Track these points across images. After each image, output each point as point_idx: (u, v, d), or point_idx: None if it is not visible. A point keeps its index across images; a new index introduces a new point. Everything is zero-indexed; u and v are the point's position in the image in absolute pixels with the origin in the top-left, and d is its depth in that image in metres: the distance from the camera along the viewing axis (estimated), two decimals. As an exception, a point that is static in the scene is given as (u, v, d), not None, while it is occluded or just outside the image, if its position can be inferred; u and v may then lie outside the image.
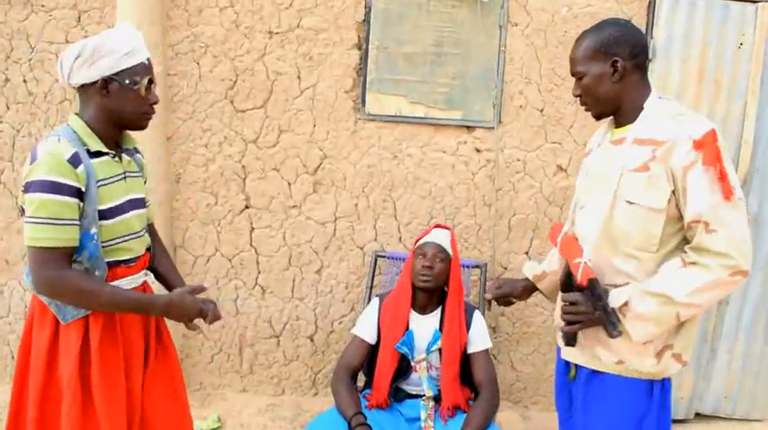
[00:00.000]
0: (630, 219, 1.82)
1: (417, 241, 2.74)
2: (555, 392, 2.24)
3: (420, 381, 2.61)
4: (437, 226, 2.80)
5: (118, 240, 1.86)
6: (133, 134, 2.01)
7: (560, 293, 1.95)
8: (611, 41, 1.84)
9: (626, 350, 1.86)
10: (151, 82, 1.87)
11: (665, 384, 1.92)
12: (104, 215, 1.79)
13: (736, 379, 3.54)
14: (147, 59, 1.86)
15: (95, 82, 1.78)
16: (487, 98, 3.28)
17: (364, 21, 3.25)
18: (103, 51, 1.75)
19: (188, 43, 3.25)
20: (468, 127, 3.33)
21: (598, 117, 1.96)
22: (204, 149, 3.33)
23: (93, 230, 1.76)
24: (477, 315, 2.69)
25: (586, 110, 1.96)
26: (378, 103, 3.29)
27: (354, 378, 2.64)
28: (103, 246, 1.81)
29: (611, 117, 1.98)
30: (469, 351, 2.62)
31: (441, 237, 2.69)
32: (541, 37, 3.25)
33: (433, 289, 2.62)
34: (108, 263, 1.83)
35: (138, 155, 2.06)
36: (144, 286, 2.01)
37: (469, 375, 2.62)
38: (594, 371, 1.94)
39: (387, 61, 3.26)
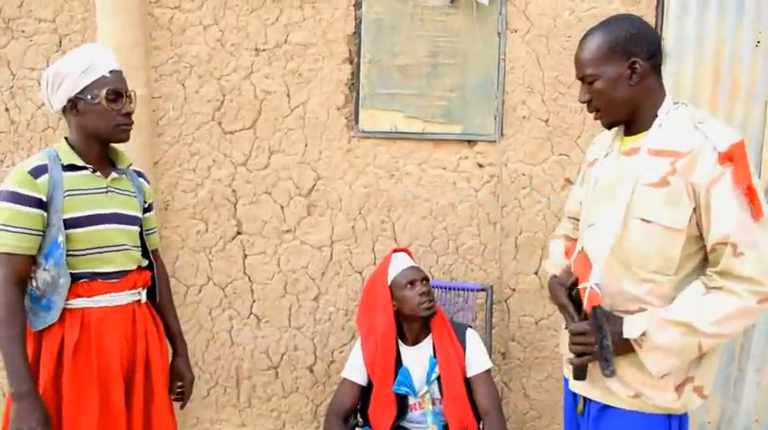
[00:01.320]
0: (646, 240, 1.64)
1: (384, 274, 2.60)
2: (564, 427, 2.05)
3: (423, 417, 2.44)
4: (395, 250, 2.69)
5: (93, 250, 1.91)
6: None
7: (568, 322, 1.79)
8: (627, 39, 1.66)
9: (642, 383, 1.68)
10: (117, 93, 1.91)
11: (682, 419, 1.74)
12: (71, 224, 1.86)
13: (766, 400, 3.31)
14: (110, 72, 1.92)
15: (66, 104, 1.90)
16: (488, 110, 3.10)
17: (355, 33, 3.10)
18: (63, 74, 1.87)
19: (172, 64, 3.13)
20: (468, 141, 3.15)
21: (610, 125, 1.79)
22: (192, 174, 3.20)
23: (60, 239, 1.83)
24: (470, 333, 2.53)
25: (597, 118, 1.78)
26: (372, 120, 3.13)
27: (347, 420, 2.49)
28: (77, 255, 1.88)
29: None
30: (468, 374, 2.45)
31: (410, 261, 2.60)
32: (543, 43, 3.06)
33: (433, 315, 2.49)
34: (84, 274, 1.90)
35: (141, 179, 2.17)
36: (133, 307, 2.03)
37: (471, 402, 2.43)
38: (606, 406, 1.76)
39: (380, 75, 3.10)
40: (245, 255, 3.26)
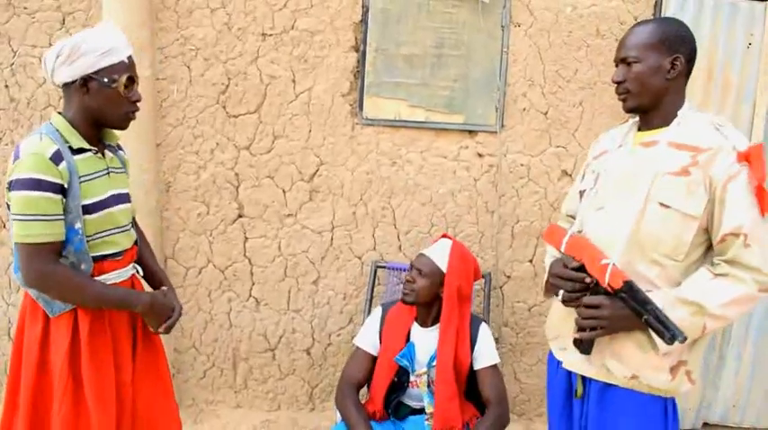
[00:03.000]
0: (663, 224, 1.74)
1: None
2: (548, 415, 2.11)
3: (421, 396, 2.49)
4: (444, 235, 2.66)
5: (103, 234, 1.89)
6: (118, 134, 2.04)
7: (568, 297, 1.83)
8: (676, 37, 1.78)
9: (642, 363, 1.77)
10: (132, 80, 1.87)
11: (674, 403, 1.85)
12: (88, 210, 1.83)
13: (744, 387, 3.46)
14: (128, 58, 1.87)
15: (76, 80, 1.80)
16: (490, 101, 3.17)
17: (362, 21, 3.13)
18: (82, 50, 1.77)
19: (178, 46, 3.11)
20: (469, 131, 3.21)
21: (632, 110, 1.86)
22: (195, 157, 3.20)
23: (78, 225, 1.80)
24: (483, 328, 2.56)
25: (622, 99, 1.85)
26: (376, 108, 3.17)
27: (359, 392, 2.53)
28: (89, 240, 1.85)
29: (636, 119, 1.90)
30: (475, 367, 2.50)
31: (436, 250, 2.56)
32: (545, 37, 3.14)
33: (415, 303, 2.51)
34: (94, 257, 1.87)
35: (120, 151, 2.08)
36: (132, 279, 2.05)
37: (477, 392, 2.50)
38: (607, 385, 1.84)
39: (385, 63, 3.14)
40: (246, 239, 3.28)
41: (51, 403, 1.86)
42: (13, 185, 1.75)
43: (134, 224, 2.15)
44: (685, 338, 1.64)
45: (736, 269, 1.68)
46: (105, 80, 1.80)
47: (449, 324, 2.46)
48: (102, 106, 1.84)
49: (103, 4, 2.97)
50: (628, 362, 1.78)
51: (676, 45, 1.76)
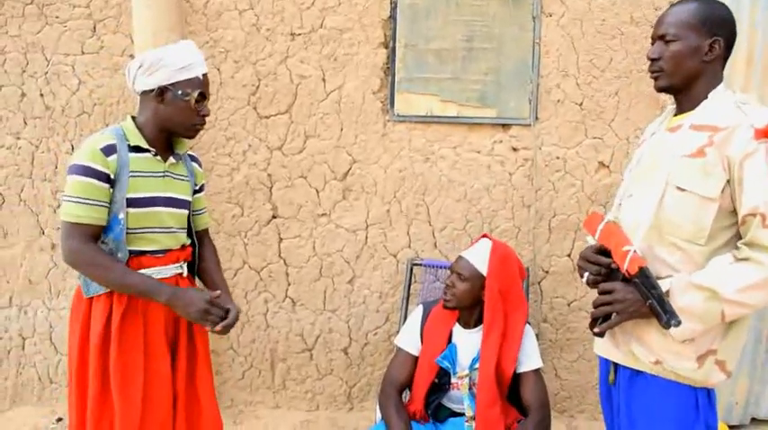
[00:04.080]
0: (680, 208, 1.68)
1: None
2: (600, 401, 2.07)
3: (462, 399, 2.45)
4: (484, 235, 2.59)
5: (144, 230, 2.00)
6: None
7: (593, 280, 1.81)
8: (718, 20, 1.71)
9: (664, 348, 1.71)
10: (204, 96, 2.03)
11: (711, 394, 1.76)
12: (131, 203, 1.95)
13: (793, 381, 3.36)
14: (203, 75, 2.04)
15: (153, 90, 1.97)
16: (523, 94, 3.12)
17: (390, 17, 3.10)
18: (162, 63, 1.95)
19: (208, 48, 3.12)
20: (503, 125, 3.17)
21: (664, 89, 1.80)
22: (228, 158, 3.21)
23: (121, 216, 1.93)
24: (527, 330, 2.49)
25: (655, 77, 1.80)
26: (407, 104, 3.14)
27: (402, 393, 2.49)
28: (130, 233, 1.96)
29: (674, 106, 1.85)
30: (518, 370, 2.44)
31: (476, 252, 2.48)
32: (578, 27, 3.07)
33: (457, 308, 2.46)
34: (133, 251, 1.98)
35: (193, 163, 2.25)
36: (176, 279, 2.11)
37: (518, 395, 2.45)
38: (636, 372, 1.79)
39: (415, 59, 3.11)
40: (281, 239, 3.28)
41: (101, 378, 1.98)
42: (68, 170, 1.92)
43: (201, 234, 2.31)
44: (679, 322, 1.59)
45: (756, 252, 1.59)
46: (180, 92, 1.97)
47: (492, 327, 2.40)
48: (173, 115, 2.00)
49: (133, 10, 2.98)
50: (650, 347, 1.73)
51: (716, 27, 1.70)
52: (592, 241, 1.95)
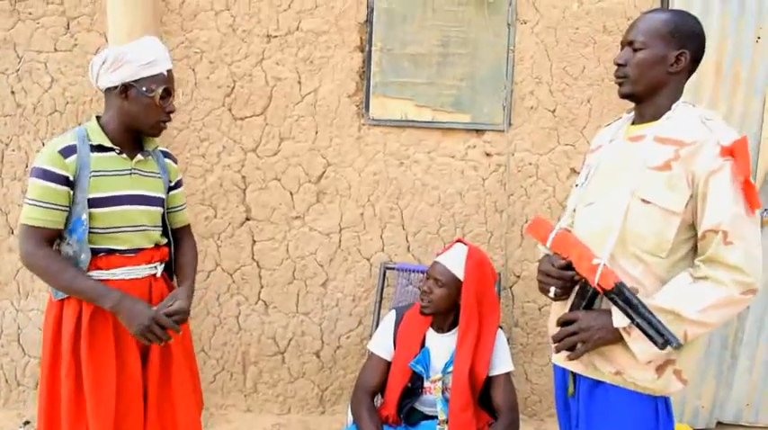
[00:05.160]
0: (644, 220, 1.68)
1: (438, 255, 2.57)
2: (557, 412, 2.07)
3: (435, 403, 2.46)
4: (458, 240, 2.59)
5: (113, 229, 1.97)
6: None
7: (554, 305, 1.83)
8: (688, 32, 1.73)
9: (625, 362, 1.72)
10: (169, 92, 2.00)
11: (667, 404, 1.78)
12: (94, 203, 1.93)
13: (757, 386, 3.42)
14: (167, 71, 2.01)
15: (117, 87, 1.95)
16: (497, 100, 3.15)
17: (366, 21, 3.12)
18: (126, 59, 1.93)
19: (183, 49, 3.11)
20: (477, 130, 3.20)
21: (626, 96, 1.81)
22: (202, 160, 3.20)
23: (84, 217, 1.91)
24: (499, 335, 2.51)
25: (619, 82, 1.80)
26: (382, 108, 3.16)
27: (374, 398, 2.50)
28: (97, 233, 1.95)
29: (632, 114, 1.86)
30: (490, 374, 2.45)
31: (452, 257, 2.48)
32: (552, 35, 3.12)
33: (434, 313, 2.46)
34: (102, 249, 1.96)
35: (167, 159, 2.22)
36: (150, 280, 2.08)
37: (488, 397, 2.47)
38: (596, 382, 1.80)
39: (391, 63, 3.13)
40: (254, 241, 3.27)
41: (75, 379, 1.96)
42: (29, 173, 1.93)
43: (180, 231, 2.29)
44: (679, 344, 1.59)
45: (715, 269, 1.60)
46: (144, 89, 1.94)
47: (467, 331, 2.40)
48: (137, 113, 1.98)
49: (108, 8, 2.96)
50: (611, 359, 1.74)
51: (685, 40, 1.72)
52: (544, 250, 1.94)
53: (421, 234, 3.26)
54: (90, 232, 1.94)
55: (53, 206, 1.89)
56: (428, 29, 3.10)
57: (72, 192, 1.92)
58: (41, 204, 1.88)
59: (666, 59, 1.72)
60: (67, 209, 1.92)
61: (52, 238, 1.93)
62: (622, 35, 1.86)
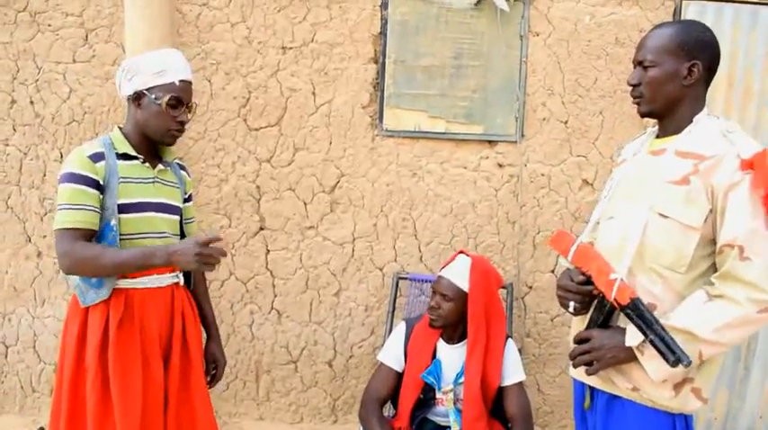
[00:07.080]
0: (663, 235, 1.66)
1: (442, 267, 2.58)
2: (575, 424, 2.05)
3: (447, 414, 2.47)
4: (461, 252, 2.59)
5: (138, 235, 2.00)
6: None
7: (578, 309, 1.79)
8: (696, 43, 1.70)
9: (642, 378, 1.70)
10: (179, 101, 2.02)
11: (688, 420, 1.75)
12: (122, 209, 1.96)
13: (771, 398, 3.41)
14: (180, 81, 2.02)
15: (132, 95, 2.01)
16: (509, 111, 3.17)
17: (381, 33, 3.15)
18: (139, 68, 1.99)
19: (199, 60, 3.15)
20: (489, 141, 3.22)
21: (646, 114, 1.80)
22: (217, 170, 3.23)
23: (113, 222, 1.94)
24: (510, 344, 2.51)
25: (636, 102, 1.79)
26: (396, 119, 3.19)
27: (382, 408, 2.51)
28: (126, 239, 1.97)
29: (656, 128, 1.85)
30: (502, 384, 2.46)
31: (456, 270, 2.48)
32: (564, 47, 3.14)
33: (444, 326, 2.47)
34: None
35: (182, 171, 2.26)
36: (173, 288, 2.11)
37: (501, 408, 2.47)
38: (613, 397, 1.78)
39: (404, 75, 3.16)
40: (268, 251, 3.29)
41: (101, 387, 1.96)
42: (59, 180, 1.95)
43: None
44: (690, 363, 1.55)
45: (731, 286, 1.57)
46: (153, 97, 1.98)
47: (476, 342, 2.41)
48: (147, 120, 2.01)
49: (126, 19, 3.01)
50: (628, 375, 1.73)
51: (695, 51, 1.69)
52: (565, 262, 1.93)
53: (434, 244, 3.28)
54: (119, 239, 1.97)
55: (86, 207, 1.90)
56: (441, 41, 3.13)
57: (102, 197, 1.94)
58: (74, 206, 1.89)
59: (678, 73, 1.70)
60: (99, 211, 1.94)
61: (87, 239, 1.93)
62: (635, 47, 1.86)
